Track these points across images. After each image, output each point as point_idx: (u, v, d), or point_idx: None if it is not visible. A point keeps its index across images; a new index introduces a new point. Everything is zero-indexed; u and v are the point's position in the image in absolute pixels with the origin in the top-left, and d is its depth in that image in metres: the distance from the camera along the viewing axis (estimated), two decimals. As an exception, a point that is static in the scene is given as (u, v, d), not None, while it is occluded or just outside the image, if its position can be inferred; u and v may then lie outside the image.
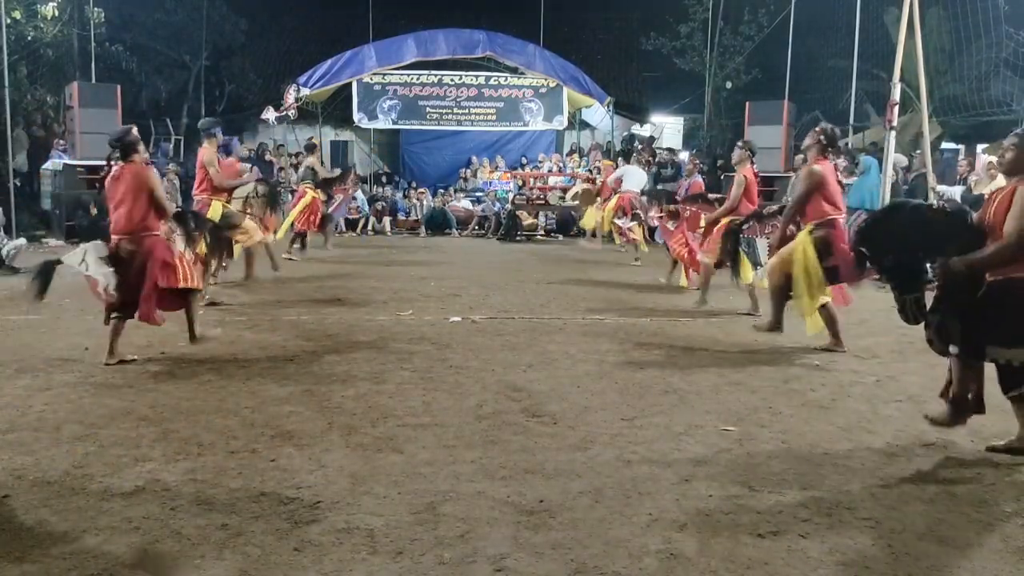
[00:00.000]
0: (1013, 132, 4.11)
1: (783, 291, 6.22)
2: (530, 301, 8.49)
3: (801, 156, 7.74)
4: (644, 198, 11.32)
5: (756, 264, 7.30)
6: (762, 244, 7.21)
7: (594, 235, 14.23)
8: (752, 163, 8.08)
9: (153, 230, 5.68)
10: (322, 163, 13.59)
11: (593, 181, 15.61)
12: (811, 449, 4.14)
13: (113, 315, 5.64)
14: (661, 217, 9.81)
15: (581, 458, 3.94)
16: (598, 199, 13.73)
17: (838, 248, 5.84)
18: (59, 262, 5.45)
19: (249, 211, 9.04)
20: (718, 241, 7.76)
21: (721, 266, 7.92)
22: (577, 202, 15.75)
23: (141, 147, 5.78)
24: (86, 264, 5.45)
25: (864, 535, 3.17)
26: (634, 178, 12.13)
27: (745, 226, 7.38)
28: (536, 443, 4.14)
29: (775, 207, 7.37)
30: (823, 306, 6.14)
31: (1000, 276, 3.86)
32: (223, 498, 3.42)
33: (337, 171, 13.81)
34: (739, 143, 8.38)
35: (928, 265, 4.04)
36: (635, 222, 11.84)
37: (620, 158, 13.26)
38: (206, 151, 8.41)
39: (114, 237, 5.65)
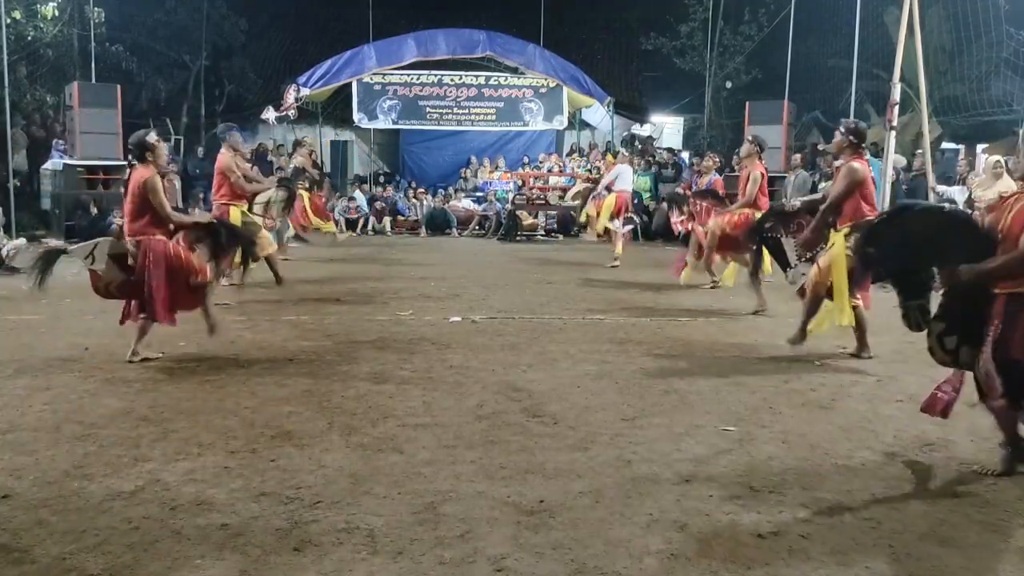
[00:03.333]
0: None
1: (817, 303, 6.03)
2: (530, 301, 8.49)
3: (831, 156, 7.43)
4: (664, 203, 11.22)
5: (785, 266, 7.05)
6: (787, 243, 6.92)
7: (585, 228, 13.89)
8: (761, 159, 8.01)
9: (153, 234, 5.63)
10: (315, 162, 13.06)
11: (594, 181, 15.54)
12: (811, 449, 4.13)
13: (141, 316, 5.64)
14: (682, 220, 9.71)
15: (581, 458, 3.94)
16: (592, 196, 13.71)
17: None
18: (64, 251, 5.46)
19: (269, 216, 8.98)
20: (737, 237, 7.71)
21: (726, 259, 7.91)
22: (577, 202, 15.68)
23: (158, 151, 5.73)
24: (93, 258, 5.44)
25: (865, 535, 3.17)
26: (627, 178, 12.08)
27: (767, 224, 7.03)
28: (536, 443, 4.14)
29: (797, 203, 6.99)
30: (855, 309, 5.93)
31: (1009, 290, 3.58)
32: (223, 498, 3.41)
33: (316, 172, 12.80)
34: (748, 137, 8.30)
35: (935, 271, 3.85)
36: (629, 225, 11.75)
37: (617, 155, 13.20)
38: (224, 157, 8.31)
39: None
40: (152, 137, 5.77)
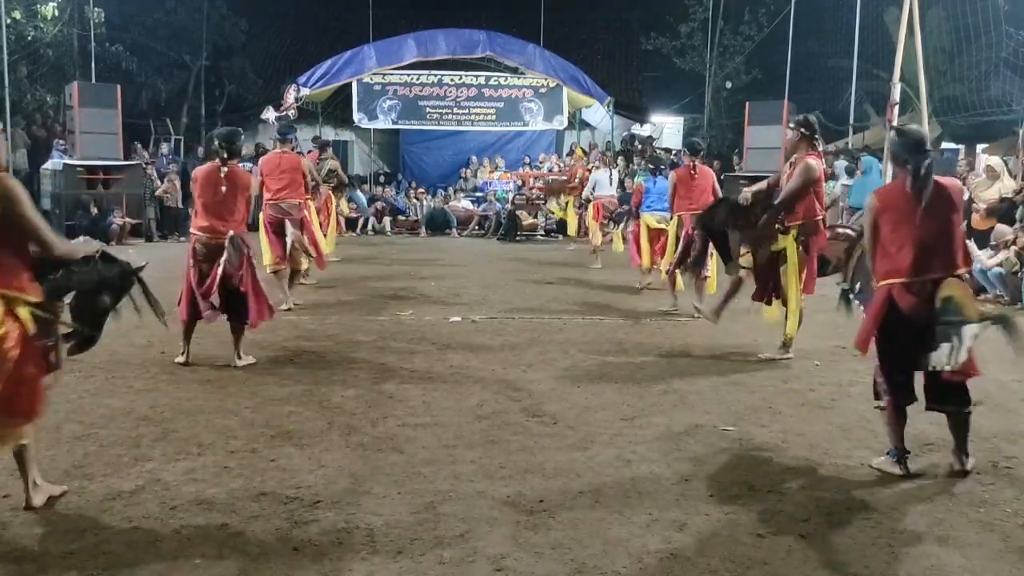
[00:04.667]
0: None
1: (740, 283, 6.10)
2: (530, 301, 8.49)
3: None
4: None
5: (727, 258, 6.92)
6: (733, 237, 6.88)
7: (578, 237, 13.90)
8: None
9: (240, 231, 5.65)
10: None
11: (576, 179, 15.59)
12: (811, 449, 4.14)
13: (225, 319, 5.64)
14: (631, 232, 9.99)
15: (581, 458, 3.94)
16: (562, 197, 13.79)
17: (816, 250, 5.70)
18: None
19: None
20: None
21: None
22: (553, 200, 15.56)
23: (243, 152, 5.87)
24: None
25: (864, 535, 3.17)
26: (604, 183, 12.01)
27: (716, 219, 6.69)
28: (536, 443, 4.14)
29: (749, 195, 6.66)
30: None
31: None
32: (223, 498, 3.42)
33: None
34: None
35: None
36: (606, 230, 11.70)
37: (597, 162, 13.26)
38: (298, 157, 8.15)
39: (202, 235, 5.58)
40: (243, 138, 5.97)
